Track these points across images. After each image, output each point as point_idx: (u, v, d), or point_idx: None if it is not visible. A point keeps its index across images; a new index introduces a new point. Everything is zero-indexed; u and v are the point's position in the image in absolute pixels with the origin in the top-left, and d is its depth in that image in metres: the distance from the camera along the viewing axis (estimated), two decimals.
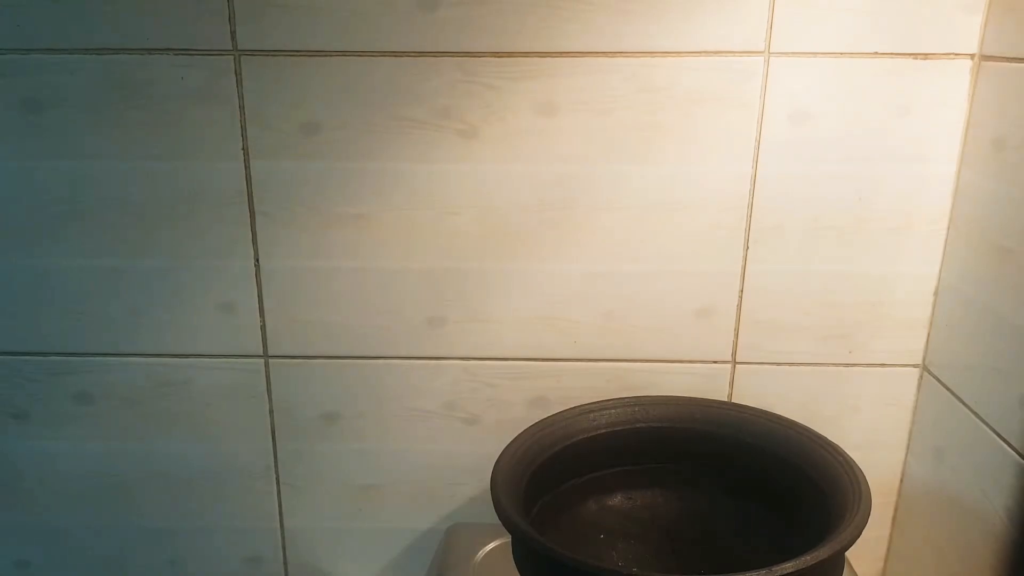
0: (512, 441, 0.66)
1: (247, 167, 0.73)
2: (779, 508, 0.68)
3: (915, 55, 0.69)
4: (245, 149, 0.73)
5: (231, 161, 0.73)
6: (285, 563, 0.87)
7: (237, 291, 0.77)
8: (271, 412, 0.81)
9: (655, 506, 0.72)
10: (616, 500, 0.72)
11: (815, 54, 0.69)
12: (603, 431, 0.71)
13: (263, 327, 0.78)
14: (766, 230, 0.74)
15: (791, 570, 0.51)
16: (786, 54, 0.69)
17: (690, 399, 0.73)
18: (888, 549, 0.84)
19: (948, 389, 0.73)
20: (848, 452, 0.64)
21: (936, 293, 0.75)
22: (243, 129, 0.72)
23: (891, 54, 0.69)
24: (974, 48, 0.68)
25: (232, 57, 0.70)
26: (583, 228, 0.74)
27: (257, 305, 0.78)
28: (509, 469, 0.63)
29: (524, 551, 0.59)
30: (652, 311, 0.77)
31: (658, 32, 0.69)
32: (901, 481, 0.81)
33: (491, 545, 0.78)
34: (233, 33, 0.70)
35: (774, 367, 0.78)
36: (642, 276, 0.76)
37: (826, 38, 0.69)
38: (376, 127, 0.72)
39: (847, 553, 0.56)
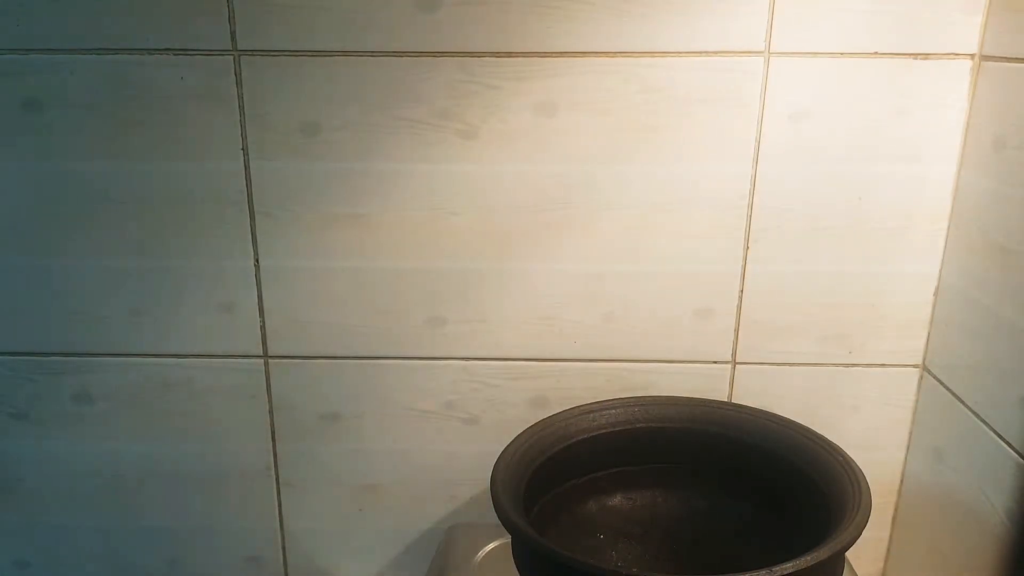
0: (512, 441, 0.66)
1: (247, 167, 0.73)
2: (779, 508, 0.68)
3: (915, 55, 0.69)
4: (245, 149, 0.73)
5: (231, 161, 0.73)
6: (285, 563, 0.87)
7: (237, 291, 0.77)
8: (271, 412, 0.81)
9: (655, 506, 0.72)
10: (616, 500, 0.72)
11: (815, 54, 0.69)
12: (603, 431, 0.71)
13: (263, 327, 0.78)
14: (766, 230, 0.74)
15: (791, 570, 0.50)
16: (786, 54, 0.69)
17: (690, 399, 0.73)
18: (888, 549, 0.84)
19: (948, 389, 0.73)
20: (848, 452, 0.64)
21: (936, 293, 0.75)
22: (243, 129, 0.72)
23: (891, 54, 0.69)
24: (974, 48, 0.68)
25: (232, 57, 0.70)
26: (583, 228, 0.74)
27: (257, 305, 0.78)
28: (509, 469, 0.63)
29: (524, 551, 0.58)
30: (652, 311, 0.77)
31: (658, 32, 0.69)
32: (901, 481, 0.81)
33: (491, 545, 0.78)
34: (233, 33, 0.70)
35: (774, 367, 0.78)
36: (642, 276, 0.76)
37: (826, 38, 0.69)
38: (376, 127, 0.72)
39: (847, 553, 0.56)
